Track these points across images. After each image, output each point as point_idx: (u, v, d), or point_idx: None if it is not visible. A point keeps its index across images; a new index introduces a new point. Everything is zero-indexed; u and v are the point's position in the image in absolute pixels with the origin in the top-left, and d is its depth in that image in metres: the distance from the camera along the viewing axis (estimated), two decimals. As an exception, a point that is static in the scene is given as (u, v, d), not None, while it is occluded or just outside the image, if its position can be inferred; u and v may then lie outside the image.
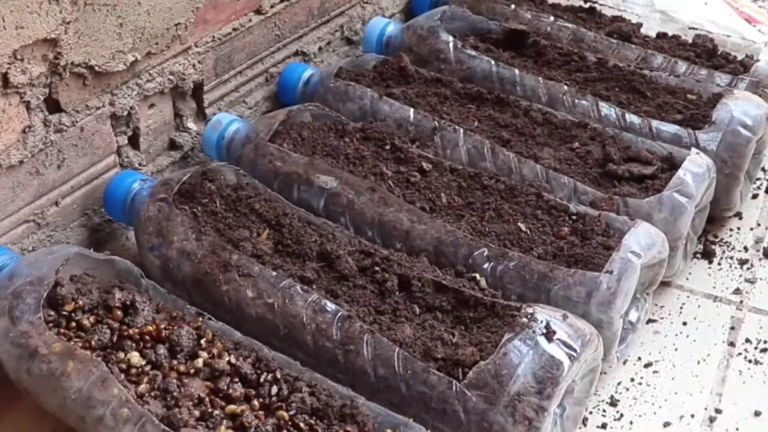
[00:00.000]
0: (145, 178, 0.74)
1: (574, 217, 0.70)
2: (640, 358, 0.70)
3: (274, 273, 0.64)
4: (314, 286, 0.64)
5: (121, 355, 0.58)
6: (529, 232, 0.69)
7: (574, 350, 0.57)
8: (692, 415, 0.66)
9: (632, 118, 0.82)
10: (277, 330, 0.62)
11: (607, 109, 0.84)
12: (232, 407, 0.55)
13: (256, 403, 0.55)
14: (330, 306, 0.61)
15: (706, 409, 0.66)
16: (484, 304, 0.62)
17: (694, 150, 0.76)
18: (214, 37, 0.83)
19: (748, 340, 0.72)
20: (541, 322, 0.58)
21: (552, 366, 0.56)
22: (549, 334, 0.57)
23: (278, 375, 0.57)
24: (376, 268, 0.65)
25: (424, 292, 0.64)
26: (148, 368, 0.57)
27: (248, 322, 0.62)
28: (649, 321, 0.73)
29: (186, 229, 0.67)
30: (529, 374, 0.55)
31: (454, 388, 0.56)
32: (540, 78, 0.88)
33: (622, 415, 0.66)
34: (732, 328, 0.73)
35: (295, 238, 0.68)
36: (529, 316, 0.58)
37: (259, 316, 0.63)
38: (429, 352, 0.58)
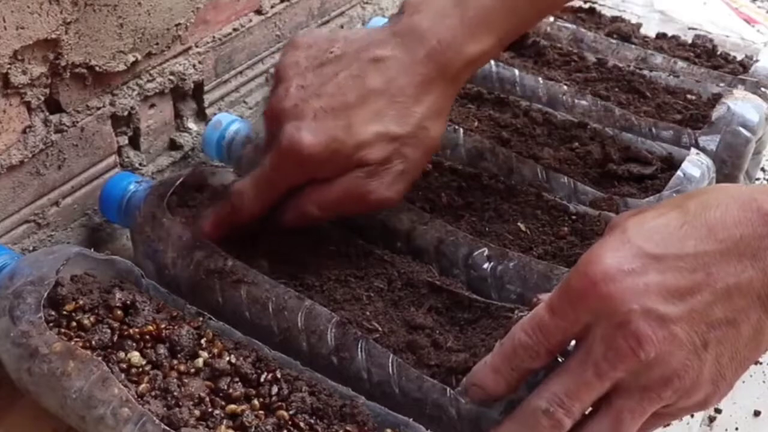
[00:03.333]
0: (140, 180, 0.74)
1: (573, 217, 0.70)
2: (639, 358, 0.70)
3: (269, 278, 0.64)
4: (310, 290, 0.64)
5: (122, 354, 0.58)
6: (528, 232, 0.70)
7: (568, 354, 0.56)
8: (692, 415, 0.66)
9: (632, 118, 0.82)
10: (273, 336, 0.62)
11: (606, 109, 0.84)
12: (232, 407, 0.55)
13: (256, 402, 0.55)
14: (325, 312, 0.61)
15: (705, 408, 0.67)
16: (478, 305, 0.62)
17: (693, 150, 0.76)
18: (214, 37, 0.83)
19: (747, 340, 0.72)
20: None
21: (545, 371, 0.56)
22: None
23: (278, 375, 0.57)
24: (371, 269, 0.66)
25: (419, 293, 0.64)
26: (148, 368, 0.57)
27: (244, 329, 0.62)
28: (649, 321, 0.73)
29: (181, 234, 0.67)
30: None
31: (448, 394, 0.56)
32: (540, 78, 0.88)
33: (621, 415, 0.66)
34: (731, 327, 0.73)
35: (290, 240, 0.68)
36: None
37: (254, 323, 0.63)
38: (422, 359, 0.58)
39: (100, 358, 0.56)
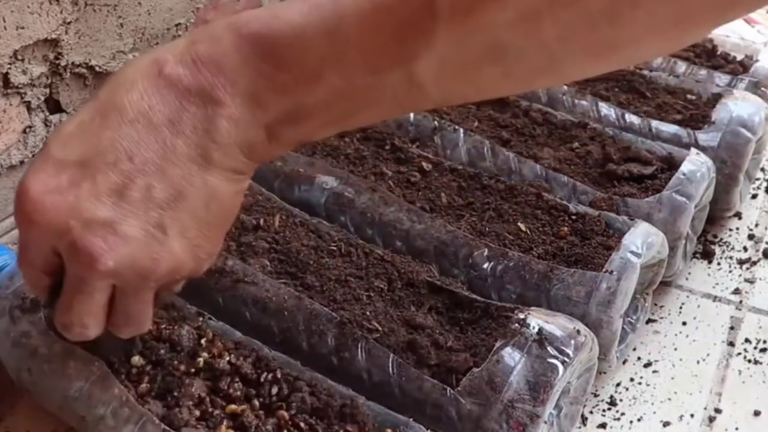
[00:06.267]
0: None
1: (573, 217, 0.70)
2: (639, 358, 0.71)
3: (269, 278, 0.64)
4: (310, 290, 0.64)
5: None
6: (528, 232, 0.70)
7: (567, 355, 0.57)
8: (692, 415, 0.66)
9: (632, 118, 0.82)
10: (273, 336, 0.62)
11: (606, 109, 0.84)
12: (232, 407, 0.55)
13: (256, 402, 0.55)
14: (325, 312, 0.61)
15: (705, 408, 0.67)
16: (478, 305, 0.62)
17: (693, 150, 0.76)
18: (214, 37, 0.83)
19: (747, 340, 0.72)
20: (533, 327, 0.58)
21: (545, 372, 0.56)
22: (541, 340, 0.57)
23: (278, 375, 0.57)
24: (371, 269, 0.66)
25: (419, 293, 0.64)
26: (148, 368, 0.57)
27: (244, 329, 0.62)
28: (649, 321, 0.73)
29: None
30: (522, 381, 0.55)
31: (448, 394, 0.56)
32: (540, 78, 0.88)
33: (622, 415, 0.66)
34: (731, 327, 0.73)
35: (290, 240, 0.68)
36: (521, 322, 0.58)
37: (254, 323, 0.62)
38: (422, 359, 0.58)
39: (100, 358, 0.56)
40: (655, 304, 0.75)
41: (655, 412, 0.66)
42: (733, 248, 0.81)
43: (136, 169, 0.42)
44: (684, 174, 0.73)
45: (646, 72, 0.89)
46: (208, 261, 0.48)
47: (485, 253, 0.67)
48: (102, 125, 0.42)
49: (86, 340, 0.49)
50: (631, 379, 0.69)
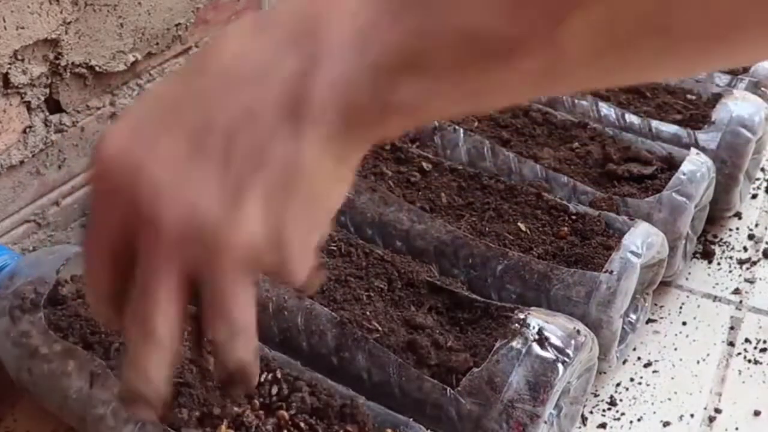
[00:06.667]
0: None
1: (573, 217, 0.70)
2: (639, 358, 0.71)
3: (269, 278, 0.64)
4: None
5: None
6: (528, 232, 0.70)
7: (567, 355, 0.57)
8: (692, 415, 0.66)
9: (632, 118, 0.82)
10: (273, 336, 0.62)
11: (606, 109, 0.84)
12: (232, 407, 0.55)
13: (256, 402, 0.55)
14: (325, 312, 0.61)
15: (705, 408, 0.67)
16: (478, 305, 0.62)
17: (693, 150, 0.76)
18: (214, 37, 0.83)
19: (747, 340, 0.72)
20: (534, 327, 0.58)
21: (545, 372, 0.56)
22: (541, 340, 0.57)
23: (278, 375, 0.57)
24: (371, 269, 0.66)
25: (419, 293, 0.64)
26: (148, 368, 0.57)
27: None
28: (649, 321, 0.73)
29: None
30: (522, 381, 0.55)
31: (448, 394, 0.56)
32: (540, 78, 0.88)
33: (622, 415, 0.66)
34: (731, 327, 0.73)
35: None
36: (521, 322, 0.58)
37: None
38: (422, 359, 0.58)
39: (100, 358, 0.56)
40: (655, 304, 0.75)
41: (655, 412, 0.66)
42: (733, 248, 0.81)
43: (218, 123, 0.37)
44: (684, 174, 0.73)
45: (646, 72, 0.89)
46: (299, 253, 0.38)
47: (485, 253, 0.67)
48: (188, 77, 0.38)
49: (161, 355, 0.37)
50: (631, 379, 0.69)
